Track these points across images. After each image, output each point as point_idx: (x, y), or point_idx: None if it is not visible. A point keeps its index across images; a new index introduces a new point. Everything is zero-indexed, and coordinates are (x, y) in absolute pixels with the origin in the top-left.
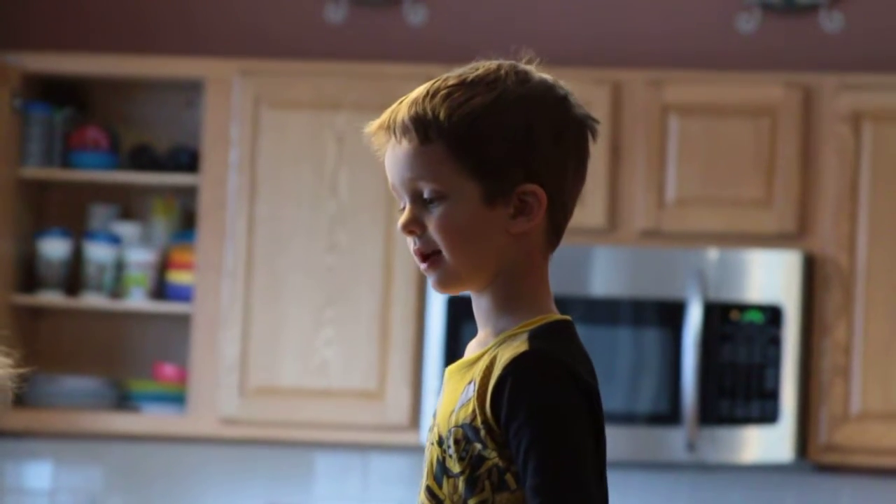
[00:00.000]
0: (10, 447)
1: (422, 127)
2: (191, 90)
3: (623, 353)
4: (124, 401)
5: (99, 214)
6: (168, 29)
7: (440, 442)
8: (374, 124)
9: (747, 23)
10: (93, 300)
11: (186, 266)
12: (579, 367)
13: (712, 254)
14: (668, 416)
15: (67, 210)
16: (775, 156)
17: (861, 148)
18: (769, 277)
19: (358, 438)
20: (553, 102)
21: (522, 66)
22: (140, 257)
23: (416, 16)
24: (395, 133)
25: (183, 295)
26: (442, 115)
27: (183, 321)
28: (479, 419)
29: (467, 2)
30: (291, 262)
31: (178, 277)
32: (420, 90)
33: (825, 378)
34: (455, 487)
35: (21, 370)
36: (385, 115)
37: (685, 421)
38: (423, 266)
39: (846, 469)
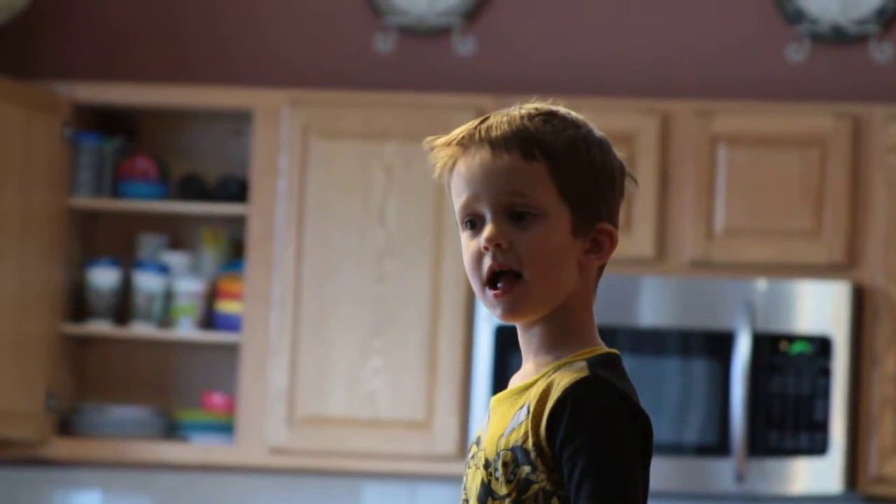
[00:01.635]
0: (59, 476)
1: (527, 143)
2: (240, 120)
3: (671, 383)
4: (172, 430)
5: (148, 244)
6: (218, 59)
7: (486, 465)
8: (441, 138)
9: (797, 53)
10: (141, 329)
11: (235, 295)
12: (635, 398)
13: (761, 284)
14: (717, 447)
15: (117, 239)
16: (824, 186)
17: None
18: (818, 308)
19: (406, 468)
20: (616, 153)
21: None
22: (189, 287)
23: (464, 46)
24: (490, 146)
25: (231, 324)
26: (544, 137)
27: (231, 350)
28: (530, 441)
29: (516, 32)
30: (339, 291)
31: (226, 307)
32: (507, 111)
33: (875, 409)
34: None
35: None
36: (461, 131)
37: (734, 452)
38: (491, 293)
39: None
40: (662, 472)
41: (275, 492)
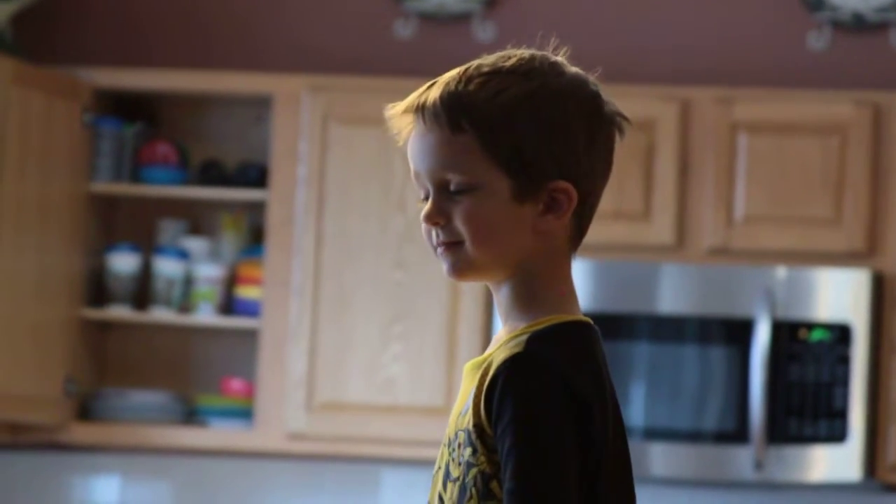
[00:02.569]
0: (78, 461)
1: (454, 114)
2: (260, 106)
3: (690, 371)
4: (192, 415)
5: (168, 229)
6: (237, 45)
7: (448, 444)
8: (397, 106)
9: (817, 40)
10: (161, 315)
11: (254, 281)
12: (576, 373)
13: (781, 272)
14: (736, 434)
15: (137, 225)
16: (845, 174)
17: None
18: (838, 296)
19: (424, 454)
20: (587, 98)
21: (555, 58)
22: (208, 272)
23: (485, 32)
24: (423, 118)
25: (251, 310)
26: (476, 104)
27: (251, 336)
28: (472, 421)
29: (536, 18)
30: (359, 277)
31: (246, 292)
32: (452, 74)
33: (894, 397)
34: (451, 493)
35: None
36: (412, 98)
37: (753, 439)
38: (438, 251)
39: None
40: (681, 459)
41: (293, 477)
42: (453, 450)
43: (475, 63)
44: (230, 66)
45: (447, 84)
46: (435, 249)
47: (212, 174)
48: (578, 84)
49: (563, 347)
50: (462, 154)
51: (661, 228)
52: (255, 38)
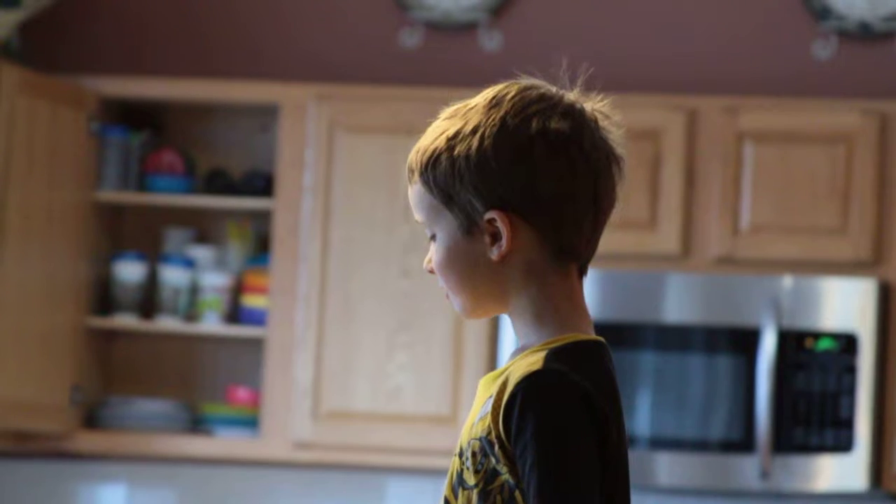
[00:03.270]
0: (84, 469)
1: (410, 170)
2: (266, 115)
3: (696, 380)
4: (197, 424)
5: (174, 238)
6: (244, 54)
7: (460, 453)
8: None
9: (823, 50)
10: (167, 323)
11: (260, 290)
12: (594, 391)
13: (787, 281)
14: (742, 443)
15: (143, 233)
16: (851, 183)
17: None
18: (844, 305)
19: (431, 463)
20: (523, 120)
21: (526, 85)
22: (214, 281)
23: (491, 41)
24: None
25: (257, 319)
26: (420, 154)
27: (256, 345)
28: (493, 433)
29: (542, 28)
30: (365, 286)
31: (252, 301)
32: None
33: None
34: (469, 500)
35: None
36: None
37: (759, 449)
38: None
39: None
40: (687, 468)
41: (299, 486)
42: (466, 458)
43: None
44: (236, 75)
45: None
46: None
47: (218, 183)
48: (518, 108)
49: (580, 364)
50: (420, 203)
51: (667, 237)
52: (262, 47)
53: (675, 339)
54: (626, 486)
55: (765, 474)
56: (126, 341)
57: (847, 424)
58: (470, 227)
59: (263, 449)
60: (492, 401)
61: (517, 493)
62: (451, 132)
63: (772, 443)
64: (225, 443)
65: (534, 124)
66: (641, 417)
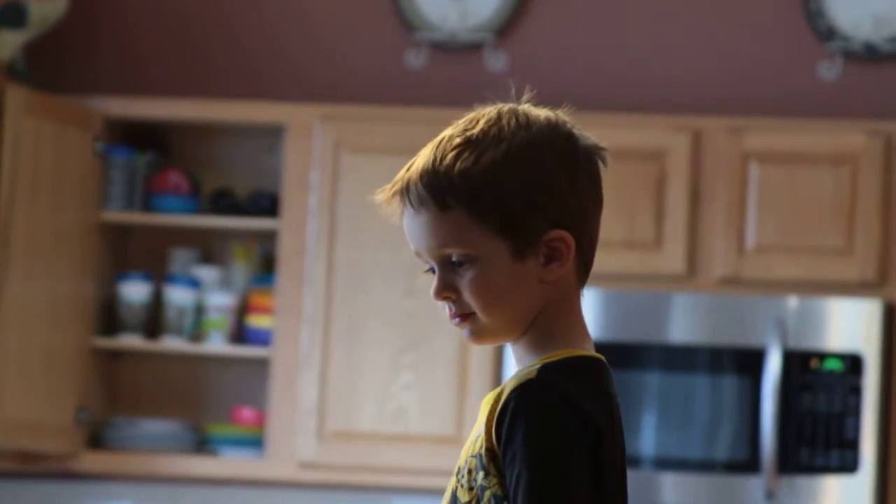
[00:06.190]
0: (90, 489)
1: (438, 194)
2: (272, 135)
3: (701, 400)
4: (202, 444)
5: (179, 258)
6: (249, 74)
7: (458, 472)
8: (384, 192)
9: (829, 70)
10: (172, 343)
11: (265, 310)
12: (586, 402)
13: (792, 302)
14: (747, 464)
15: (148, 254)
16: (856, 204)
17: None
18: (849, 326)
19: (435, 483)
20: (561, 142)
21: (522, 108)
22: (220, 301)
23: (496, 62)
24: (411, 204)
25: (262, 339)
26: (456, 180)
27: (262, 365)
28: (485, 446)
29: (547, 48)
30: (370, 306)
31: (257, 321)
32: (427, 154)
33: None
34: None
35: None
36: (396, 183)
37: (764, 469)
38: (455, 321)
39: None
40: (692, 489)
41: None
42: (462, 476)
43: (446, 135)
44: (242, 95)
45: (424, 163)
46: (451, 319)
47: (223, 203)
48: (549, 131)
49: (574, 377)
50: (456, 229)
51: (672, 258)
52: (267, 68)
53: (681, 359)
54: (623, 500)
55: (770, 495)
56: (131, 361)
57: (852, 445)
58: (523, 247)
59: (269, 469)
60: (488, 414)
61: None
62: (496, 155)
63: (777, 463)
64: (230, 463)
65: (575, 145)
66: (646, 438)
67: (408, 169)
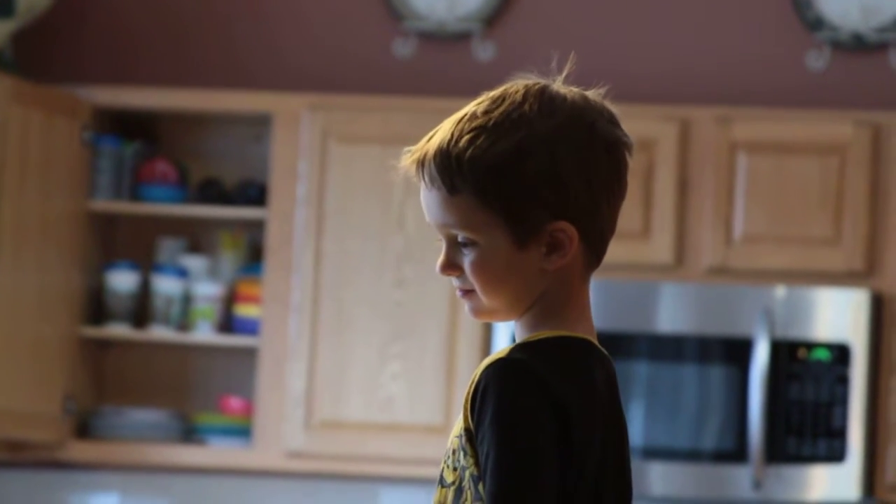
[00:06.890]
0: (77, 479)
1: (448, 177)
2: (259, 124)
3: (689, 390)
4: (190, 433)
5: (167, 248)
6: (237, 63)
7: (445, 456)
8: (406, 157)
9: (817, 60)
10: (160, 333)
11: (253, 300)
12: (555, 378)
13: (780, 291)
14: (735, 453)
15: (136, 243)
16: (844, 194)
17: None
18: (837, 316)
19: (424, 473)
20: (579, 135)
21: (550, 90)
22: (207, 290)
23: (484, 52)
24: (425, 179)
25: (250, 328)
26: (466, 166)
27: (249, 355)
28: (463, 426)
29: (536, 38)
30: (358, 296)
31: (245, 311)
32: (446, 130)
33: (893, 417)
34: (446, 498)
35: None
36: (417, 152)
37: (751, 459)
38: (458, 294)
39: None
40: (680, 478)
41: (292, 496)
42: (447, 457)
43: (469, 112)
44: (230, 84)
45: (441, 142)
46: (457, 292)
47: (211, 192)
48: (570, 122)
49: (546, 355)
50: (462, 212)
51: (660, 248)
52: (255, 57)
53: (668, 349)
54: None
55: (758, 484)
56: (119, 351)
57: (840, 434)
58: (524, 237)
59: (256, 458)
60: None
61: (481, 485)
62: (509, 145)
63: (765, 453)
64: (218, 452)
65: (594, 136)
66: (634, 427)
67: (429, 140)
